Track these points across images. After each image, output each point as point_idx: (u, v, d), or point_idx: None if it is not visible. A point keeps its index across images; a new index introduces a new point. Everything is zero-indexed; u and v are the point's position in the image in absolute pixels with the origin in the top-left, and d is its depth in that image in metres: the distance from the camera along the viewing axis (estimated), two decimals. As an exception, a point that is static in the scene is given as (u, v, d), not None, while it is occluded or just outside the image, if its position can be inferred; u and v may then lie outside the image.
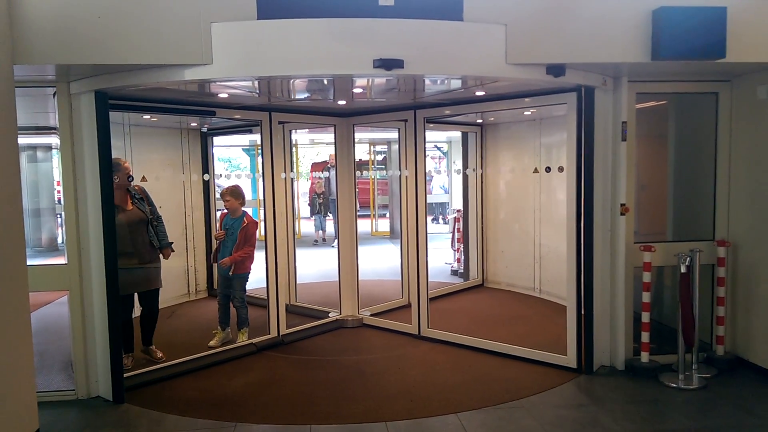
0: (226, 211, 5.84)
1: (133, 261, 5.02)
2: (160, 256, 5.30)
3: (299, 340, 5.89)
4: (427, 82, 4.78)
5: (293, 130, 7.97)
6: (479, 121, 7.73)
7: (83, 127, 4.35)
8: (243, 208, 5.83)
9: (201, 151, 7.69)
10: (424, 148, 6.05)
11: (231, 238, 5.69)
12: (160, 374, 4.91)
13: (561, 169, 6.61)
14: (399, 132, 6.87)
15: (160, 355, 5.24)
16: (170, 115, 6.03)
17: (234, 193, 5.74)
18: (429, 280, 6.04)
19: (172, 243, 5.38)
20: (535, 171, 6.92)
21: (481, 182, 8.13)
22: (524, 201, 7.63)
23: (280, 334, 5.80)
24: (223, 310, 5.80)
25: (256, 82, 4.53)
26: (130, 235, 4.98)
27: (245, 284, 5.82)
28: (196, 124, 7.29)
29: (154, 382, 4.81)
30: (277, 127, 5.79)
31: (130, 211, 5.05)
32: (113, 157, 4.67)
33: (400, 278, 7.17)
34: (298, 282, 7.25)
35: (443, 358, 5.34)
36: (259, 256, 5.86)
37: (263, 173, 5.74)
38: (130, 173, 5.09)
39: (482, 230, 8.19)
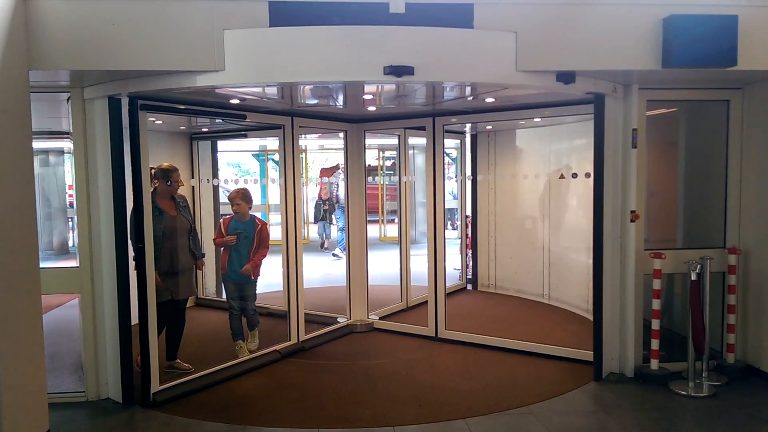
0: (229, 216, 5.77)
1: (174, 267, 4.97)
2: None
3: (317, 345, 5.86)
4: (448, 89, 4.84)
5: (302, 135, 7.98)
6: (488, 127, 7.74)
7: (96, 131, 4.40)
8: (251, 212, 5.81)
9: (211, 155, 7.74)
10: (443, 155, 6.13)
11: (245, 243, 5.62)
12: (190, 386, 4.76)
13: (575, 175, 6.65)
14: (399, 139, 6.90)
15: (187, 366, 5.08)
16: (202, 117, 5.92)
17: (245, 197, 5.69)
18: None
19: (204, 255, 5.35)
20: (561, 177, 6.91)
21: (490, 188, 8.14)
22: (533, 207, 7.63)
23: (300, 340, 5.78)
24: (237, 320, 5.61)
25: (279, 87, 4.54)
26: (172, 241, 4.95)
27: (256, 289, 5.77)
28: (185, 128, 7.17)
29: (185, 395, 4.65)
30: (297, 132, 5.79)
31: (175, 217, 5.03)
32: (167, 164, 5.16)
33: (398, 283, 7.22)
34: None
35: (463, 359, 5.40)
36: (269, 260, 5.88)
37: (285, 177, 5.71)
38: (179, 180, 5.13)
39: (491, 236, 8.19)
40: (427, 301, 6.27)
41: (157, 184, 4.97)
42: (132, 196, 4.42)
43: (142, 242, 4.42)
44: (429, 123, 6.12)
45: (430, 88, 4.71)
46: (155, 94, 4.31)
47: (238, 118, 5.36)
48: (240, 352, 5.47)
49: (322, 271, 9.77)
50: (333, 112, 6.08)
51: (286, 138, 5.70)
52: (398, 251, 7.45)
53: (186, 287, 5.12)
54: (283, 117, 5.67)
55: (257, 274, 5.70)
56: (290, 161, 5.73)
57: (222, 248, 5.77)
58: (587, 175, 6.19)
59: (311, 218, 13.25)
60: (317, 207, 12.32)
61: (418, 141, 12.34)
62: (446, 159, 15.96)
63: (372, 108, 5.84)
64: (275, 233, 6.41)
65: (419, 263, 9.77)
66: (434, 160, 6.11)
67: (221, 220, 5.92)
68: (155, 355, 4.53)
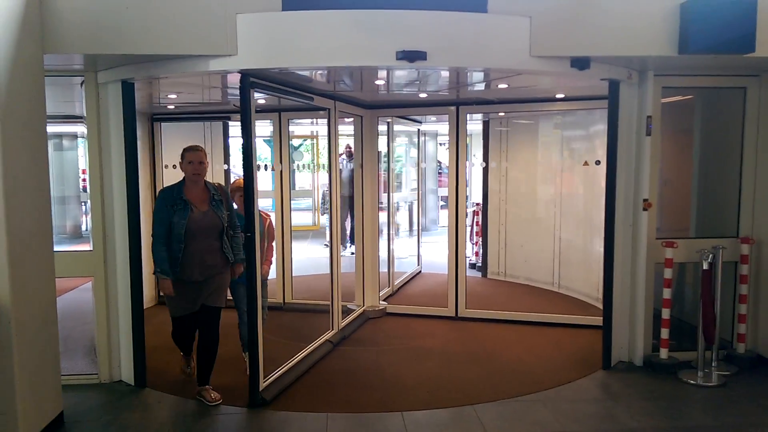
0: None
1: (195, 273, 4.12)
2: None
3: (353, 332, 5.88)
4: (464, 75, 4.80)
5: (315, 121, 7.96)
6: (500, 113, 7.69)
7: (110, 116, 4.42)
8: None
9: (222, 140, 7.75)
10: (467, 143, 6.31)
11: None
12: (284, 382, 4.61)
13: (586, 163, 6.66)
14: (387, 126, 6.94)
15: (215, 396, 4.27)
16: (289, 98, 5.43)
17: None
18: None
19: (244, 259, 4.31)
20: (585, 164, 6.89)
21: (501, 175, 8.11)
22: (545, 194, 7.59)
23: (340, 329, 5.77)
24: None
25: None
26: (196, 242, 4.10)
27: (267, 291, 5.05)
28: (144, 108, 6.69)
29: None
30: (338, 116, 5.75)
31: (205, 212, 4.15)
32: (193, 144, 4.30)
33: (386, 269, 7.31)
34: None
35: (495, 333, 5.52)
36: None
37: (330, 162, 5.65)
38: (203, 160, 4.18)
39: (502, 224, 8.17)
40: (407, 283, 7.40)
41: (182, 168, 4.24)
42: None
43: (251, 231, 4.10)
44: (452, 112, 6.27)
45: (453, 74, 4.70)
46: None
47: (306, 99, 5.12)
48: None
49: (307, 257, 9.72)
50: (350, 96, 6.04)
51: (330, 122, 5.63)
52: (411, 239, 7.50)
53: (213, 296, 4.26)
54: (328, 100, 5.56)
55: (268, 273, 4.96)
56: (334, 145, 5.69)
57: None
58: (597, 162, 6.49)
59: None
60: (324, 197, 11.82)
61: (429, 128, 12.32)
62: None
63: (424, 95, 5.88)
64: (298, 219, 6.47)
65: (430, 250, 9.86)
66: (457, 149, 6.29)
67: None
68: (261, 351, 4.27)
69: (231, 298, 4.72)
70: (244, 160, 4.13)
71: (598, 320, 5.26)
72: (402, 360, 5.10)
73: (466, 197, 7.12)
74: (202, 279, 4.16)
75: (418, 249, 8.73)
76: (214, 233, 4.20)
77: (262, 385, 4.31)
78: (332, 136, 5.63)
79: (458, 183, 6.31)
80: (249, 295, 4.21)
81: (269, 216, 5.13)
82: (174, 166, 6.96)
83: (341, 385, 4.58)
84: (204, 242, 4.14)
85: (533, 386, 4.50)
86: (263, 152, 18.93)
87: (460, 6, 3.92)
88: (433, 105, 6.48)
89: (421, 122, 8.44)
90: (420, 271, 8.53)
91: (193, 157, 4.18)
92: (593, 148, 6.67)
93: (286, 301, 6.86)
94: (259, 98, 5.25)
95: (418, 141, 8.50)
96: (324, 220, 13.15)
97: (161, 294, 4.12)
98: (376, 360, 5.16)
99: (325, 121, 5.77)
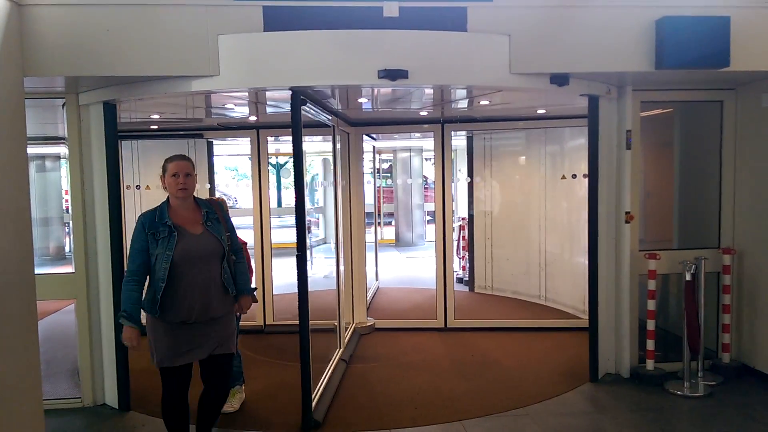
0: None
1: (194, 313, 3.29)
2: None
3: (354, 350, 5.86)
4: (446, 92, 4.88)
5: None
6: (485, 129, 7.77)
7: (92, 137, 4.40)
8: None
9: (207, 159, 7.74)
10: (452, 159, 6.59)
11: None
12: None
13: (564, 177, 6.76)
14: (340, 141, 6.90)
15: None
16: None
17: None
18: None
19: (255, 289, 3.68)
20: (563, 177, 7.01)
21: (486, 190, 8.17)
22: (529, 209, 7.64)
23: (345, 346, 5.76)
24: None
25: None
26: (191, 275, 3.26)
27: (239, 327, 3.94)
28: None
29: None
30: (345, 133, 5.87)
31: (199, 236, 3.33)
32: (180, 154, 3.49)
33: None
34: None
35: (484, 343, 5.59)
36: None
37: (335, 178, 5.66)
38: (190, 172, 3.36)
39: (488, 237, 8.21)
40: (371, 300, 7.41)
41: (163, 185, 3.41)
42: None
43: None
44: (438, 129, 6.48)
45: (437, 92, 4.77)
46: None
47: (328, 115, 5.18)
48: (235, 402, 4.40)
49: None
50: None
51: (335, 139, 5.66)
52: (401, 253, 7.51)
53: (225, 342, 3.43)
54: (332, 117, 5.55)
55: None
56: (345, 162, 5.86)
57: None
58: (573, 176, 6.75)
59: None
60: None
61: (415, 144, 12.40)
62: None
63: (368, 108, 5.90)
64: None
65: (411, 265, 9.85)
66: (443, 166, 6.49)
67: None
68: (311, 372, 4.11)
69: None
70: (295, 176, 4.09)
71: (582, 323, 5.60)
72: (391, 376, 5.09)
73: (453, 212, 7.16)
74: (203, 320, 3.32)
75: (376, 265, 8.72)
76: (214, 261, 3.34)
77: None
78: (337, 153, 5.66)
79: (444, 198, 6.47)
80: (301, 311, 4.04)
81: (244, 241, 4.27)
82: (147, 187, 6.94)
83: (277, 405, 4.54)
84: (201, 274, 3.28)
85: (521, 400, 4.49)
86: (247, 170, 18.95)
87: (440, 25, 3.98)
88: (419, 123, 6.58)
89: (375, 139, 8.49)
90: (378, 288, 8.53)
91: (177, 168, 3.31)
92: (577, 161, 6.74)
93: (267, 323, 6.65)
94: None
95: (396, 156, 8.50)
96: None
97: (123, 343, 3.28)
98: (365, 376, 5.13)
99: (312, 138, 5.79)
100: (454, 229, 9.02)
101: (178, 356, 3.32)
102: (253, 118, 6.04)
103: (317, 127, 6.21)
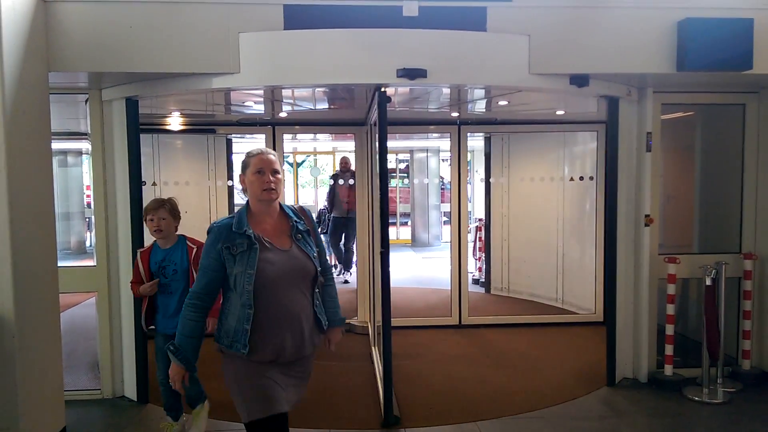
0: (146, 248, 3.89)
1: (284, 353, 2.58)
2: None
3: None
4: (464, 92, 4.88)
5: (314, 136, 7.98)
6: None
7: (114, 132, 4.46)
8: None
9: (226, 156, 7.81)
10: (467, 163, 6.69)
11: (175, 279, 3.76)
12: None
13: (582, 178, 6.74)
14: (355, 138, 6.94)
15: None
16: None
17: (173, 210, 3.84)
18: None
19: (345, 319, 3.03)
20: (571, 179, 7.03)
21: (503, 191, 8.13)
22: (547, 210, 7.60)
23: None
24: (170, 390, 3.23)
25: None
26: (277, 301, 2.55)
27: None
28: None
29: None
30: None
31: (288, 252, 2.62)
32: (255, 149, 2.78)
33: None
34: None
35: (499, 343, 5.50)
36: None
37: (381, 174, 5.74)
38: (278, 169, 2.66)
39: (505, 239, 8.18)
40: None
41: (243, 185, 2.72)
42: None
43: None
44: (454, 131, 6.59)
45: (455, 92, 4.77)
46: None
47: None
48: None
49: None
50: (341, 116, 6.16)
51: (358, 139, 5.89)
52: (417, 254, 7.53)
53: (295, 388, 2.70)
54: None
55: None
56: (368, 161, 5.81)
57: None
58: (591, 178, 6.85)
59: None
60: (321, 216, 9.58)
61: (432, 144, 12.38)
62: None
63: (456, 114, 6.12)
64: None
65: (428, 265, 9.83)
66: (459, 167, 6.60)
67: (138, 253, 3.89)
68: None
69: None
70: (380, 174, 4.17)
71: (593, 317, 5.95)
72: (403, 377, 5.09)
73: (469, 213, 7.20)
74: (293, 359, 2.62)
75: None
76: (304, 284, 2.64)
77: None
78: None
79: (460, 199, 6.55)
80: (384, 308, 4.10)
81: (199, 244, 3.81)
82: (153, 183, 6.74)
83: (344, 401, 4.57)
84: (290, 300, 2.58)
85: (537, 403, 4.47)
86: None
87: (459, 25, 3.98)
88: (435, 123, 6.62)
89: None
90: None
91: (262, 164, 2.61)
92: (597, 163, 6.69)
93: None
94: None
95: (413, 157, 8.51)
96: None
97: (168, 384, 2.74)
98: (358, 376, 5.13)
99: (323, 137, 5.83)
100: (470, 231, 9.01)
101: (275, 402, 2.55)
102: (283, 114, 6.08)
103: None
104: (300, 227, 2.70)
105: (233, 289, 2.56)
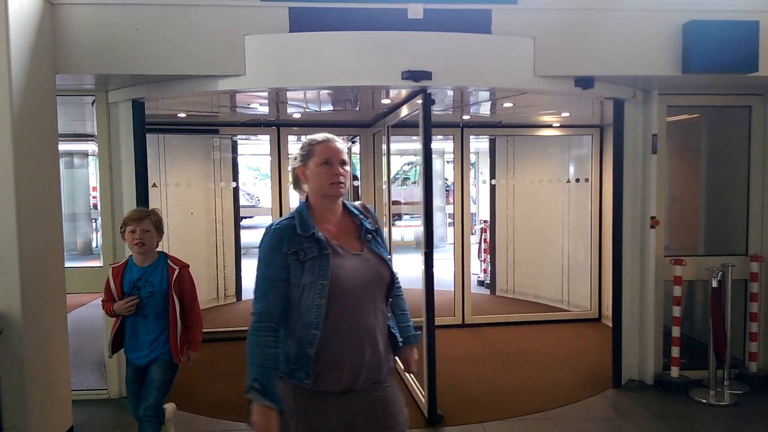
0: (121, 262, 3.40)
1: (358, 379, 2.12)
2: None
3: None
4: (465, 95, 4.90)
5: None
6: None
7: (120, 134, 4.49)
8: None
9: (231, 157, 7.84)
10: (470, 162, 6.87)
11: (151, 303, 3.25)
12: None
13: (587, 180, 6.75)
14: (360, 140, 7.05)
15: None
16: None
17: (157, 223, 3.39)
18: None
19: (420, 335, 2.49)
20: (587, 180, 7.07)
21: (508, 193, 8.13)
22: (552, 212, 7.59)
23: None
24: (155, 425, 3.29)
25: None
26: (351, 316, 2.11)
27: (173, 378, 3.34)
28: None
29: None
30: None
31: (360, 256, 2.19)
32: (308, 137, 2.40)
33: None
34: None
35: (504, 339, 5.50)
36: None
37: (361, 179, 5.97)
38: (346, 161, 2.22)
39: (510, 241, 8.16)
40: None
41: (304, 179, 2.24)
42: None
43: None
44: (457, 133, 6.67)
45: (458, 94, 4.77)
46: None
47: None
48: None
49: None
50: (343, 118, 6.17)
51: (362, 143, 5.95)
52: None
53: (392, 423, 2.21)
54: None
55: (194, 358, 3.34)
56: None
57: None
58: (577, 180, 7.09)
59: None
60: None
61: (437, 146, 12.35)
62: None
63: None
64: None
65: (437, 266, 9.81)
66: (462, 170, 6.71)
67: (110, 269, 3.38)
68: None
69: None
70: (425, 175, 4.17)
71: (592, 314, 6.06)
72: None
73: (474, 215, 7.21)
74: (366, 386, 2.14)
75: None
76: (380, 292, 2.20)
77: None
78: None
79: (463, 200, 6.66)
80: (428, 308, 4.15)
81: (183, 264, 3.44)
82: (153, 185, 6.48)
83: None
84: (365, 315, 2.14)
85: (542, 404, 4.46)
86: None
87: (464, 27, 3.99)
88: (438, 126, 6.55)
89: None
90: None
91: (330, 153, 2.17)
92: (591, 166, 6.71)
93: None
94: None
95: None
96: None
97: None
98: None
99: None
100: (475, 232, 9.01)
101: None
102: (297, 115, 6.12)
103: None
104: (368, 226, 2.26)
105: (297, 305, 2.08)
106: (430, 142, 4.13)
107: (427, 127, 4.08)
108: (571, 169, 7.32)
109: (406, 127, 6.61)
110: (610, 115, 4.82)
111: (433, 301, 4.18)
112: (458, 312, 6.68)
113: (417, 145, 8.88)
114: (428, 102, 4.04)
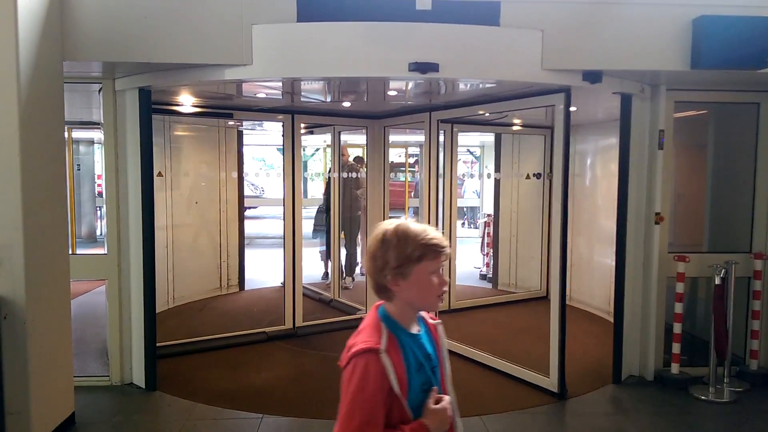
0: (377, 338, 1.67)
1: None
2: None
3: (313, 334, 5.97)
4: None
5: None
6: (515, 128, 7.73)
7: (126, 122, 4.49)
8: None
9: (237, 148, 7.85)
10: (437, 148, 6.21)
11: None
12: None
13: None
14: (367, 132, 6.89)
15: None
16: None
17: None
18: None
19: None
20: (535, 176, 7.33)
21: (513, 187, 8.12)
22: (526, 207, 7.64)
23: (295, 326, 5.89)
24: None
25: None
26: None
27: None
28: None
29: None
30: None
31: None
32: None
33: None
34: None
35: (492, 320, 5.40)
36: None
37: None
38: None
39: (513, 235, 8.16)
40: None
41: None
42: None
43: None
44: (426, 118, 5.94)
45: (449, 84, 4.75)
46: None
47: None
48: None
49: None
50: (352, 109, 6.12)
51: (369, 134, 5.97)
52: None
53: None
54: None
55: None
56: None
57: None
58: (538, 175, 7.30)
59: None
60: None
61: (442, 139, 12.33)
62: (470, 157, 15.90)
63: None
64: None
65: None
66: (429, 158, 6.07)
67: (373, 355, 1.61)
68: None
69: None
70: (563, 171, 4.40)
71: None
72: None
73: (478, 208, 7.15)
74: None
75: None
76: None
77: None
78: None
79: (452, 194, 6.70)
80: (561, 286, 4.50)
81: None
82: (159, 173, 6.38)
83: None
84: None
85: (542, 399, 4.48)
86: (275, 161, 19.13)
87: (472, 19, 3.96)
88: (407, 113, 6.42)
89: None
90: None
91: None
92: (606, 161, 6.66)
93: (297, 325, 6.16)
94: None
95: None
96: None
97: None
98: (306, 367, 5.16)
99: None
100: (479, 226, 9.00)
101: None
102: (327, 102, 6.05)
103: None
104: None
105: None
106: (569, 141, 4.41)
107: (567, 126, 4.38)
108: (579, 165, 7.30)
109: (390, 116, 6.59)
110: (558, 119, 4.55)
111: (564, 274, 4.59)
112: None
113: (419, 137, 8.85)
114: (568, 101, 4.29)
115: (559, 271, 4.54)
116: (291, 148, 6.19)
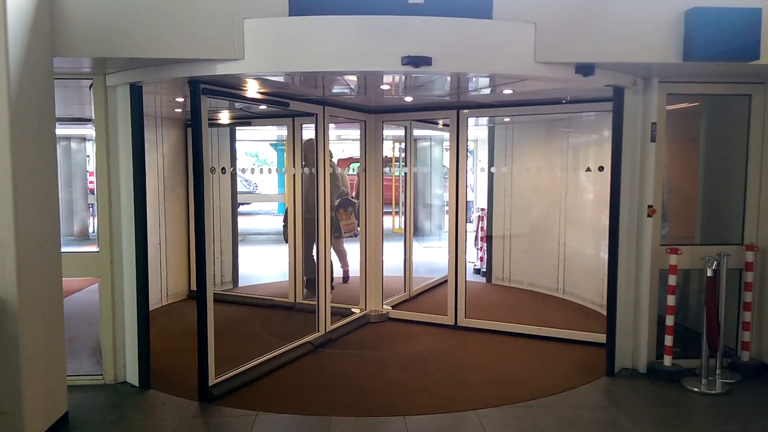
0: None
1: None
2: None
3: (341, 336, 5.87)
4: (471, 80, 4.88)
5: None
6: (506, 119, 7.71)
7: (118, 118, 4.46)
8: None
9: (229, 144, 7.81)
10: (466, 146, 6.28)
11: None
12: (242, 379, 4.67)
13: (588, 169, 6.71)
14: (405, 131, 7.10)
15: None
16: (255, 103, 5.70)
17: None
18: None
19: None
20: (588, 170, 6.97)
21: (506, 181, 8.13)
22: (549, 200, 7.59)
23: (327, 331, 5.79)
24: None
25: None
26: None
27: None
28: (180, 111, 6.74)
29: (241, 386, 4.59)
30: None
31: None
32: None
33: (402, 274, 7.30)
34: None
35: (478, 350, 5.40)
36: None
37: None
38: None
39: (507, 229, 8.18)
40: (426, 291, 7.47)
41: None
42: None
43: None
44: (453, 116, 6.20)
45: (455, 78, 4.74)
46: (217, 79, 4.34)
47: (281, 105, 5.23)
48: None
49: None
50: (352, 101, 6.07)
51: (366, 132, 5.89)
52: (419, 243, 7.48)
53: None
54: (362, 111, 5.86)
55: None
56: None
57: None
58: (600, 168, 6.36)
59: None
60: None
61: (436, 133, 12.32)
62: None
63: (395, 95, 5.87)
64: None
65: (428, 255, 9.83)
66: (457, 154, 6.25)
67: None
68: (212, 348, 4.38)
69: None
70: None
71: (602, 337, 5.03)
72: (401, 364, 5.11)
73: (471, 202, 7.11)
74: None
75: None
76: None
77: (213, 380, 4.30)
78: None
79: (458, 190, 6.26)
80: (199, 295, 4.21)
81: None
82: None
83: (327, 388, 4.60)
84: None
85: (535, 392, 4.49)
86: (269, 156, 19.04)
87: (465, 12, 3.94)
88: (433, 109, 6.45)
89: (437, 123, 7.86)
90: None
91: None
92: (599, 153, 6.67)
93: (297, 301, 6.94)
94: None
95: (406, 145, 8.03)
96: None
97: None
98: (359, 364, 5.16)
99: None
100: (472, 221, 9.00)
101: None
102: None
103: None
104: None
105: None
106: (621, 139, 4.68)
107: (619, 124, 4.67)
108: (572, 158, 7.32)
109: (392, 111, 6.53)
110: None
111: (204, 294, 4.35)
112: (450, 312, 6.21)
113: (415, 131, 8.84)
114: (620, 97, 4.60)
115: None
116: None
